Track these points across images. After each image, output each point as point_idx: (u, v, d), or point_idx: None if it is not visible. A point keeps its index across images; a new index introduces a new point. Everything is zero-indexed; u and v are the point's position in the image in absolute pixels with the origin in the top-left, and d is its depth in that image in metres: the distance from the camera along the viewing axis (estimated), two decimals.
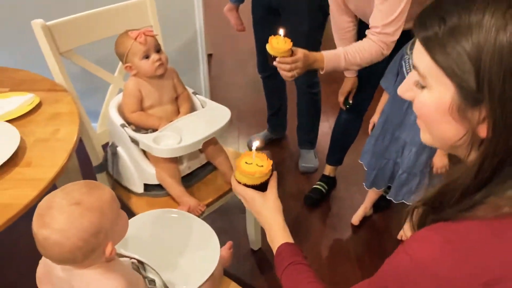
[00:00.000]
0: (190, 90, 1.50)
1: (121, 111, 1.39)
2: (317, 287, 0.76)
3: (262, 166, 0.84)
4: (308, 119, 2.16)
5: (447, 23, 0.52)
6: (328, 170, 2.07)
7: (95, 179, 1.56)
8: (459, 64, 0.52)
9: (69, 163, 1.38)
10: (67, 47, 1.37)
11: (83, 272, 0.79)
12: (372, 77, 1.68)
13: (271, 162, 0.86)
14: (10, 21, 2.04)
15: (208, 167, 1.47)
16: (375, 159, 1.62)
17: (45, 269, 0.86)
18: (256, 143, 0.90)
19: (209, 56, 3.33)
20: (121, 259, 0.98)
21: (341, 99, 1.81)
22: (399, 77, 1.47)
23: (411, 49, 1.41)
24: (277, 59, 1.27)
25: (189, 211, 1.31)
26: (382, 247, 1.79)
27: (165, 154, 1.25)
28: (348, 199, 2.04)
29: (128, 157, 1.38)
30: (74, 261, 0.76)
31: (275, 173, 0.88)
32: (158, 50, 1.31)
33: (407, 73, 1.44)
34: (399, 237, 1.80)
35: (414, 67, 0.59)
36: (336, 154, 2.04)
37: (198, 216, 1.34)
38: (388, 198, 1.65)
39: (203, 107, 1.46)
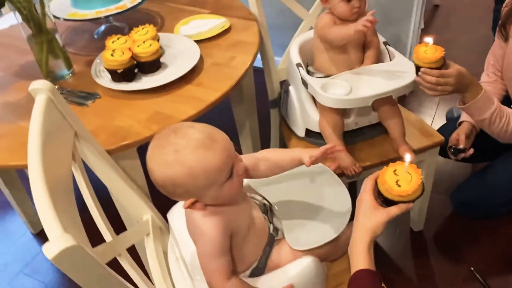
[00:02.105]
0: (382, 39, 1.34)
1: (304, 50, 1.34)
2: None
3: (399, 186, 0.75)
4: None
5: None
6: None
7: (269, 113, 1.60)
8: None
9: (236, 92, 1.43)
10: None
11: None
12: None
13: (415, 188, 0.75)
14: None
15: (379, 128, 1.33)
16: None
17: None
18: (408, 156, 0.78)
19: (435, 7, 2.94)
20: (254, 196, 0.98)
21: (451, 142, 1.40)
22: None
23: None
24: (421, 69, 1.05)
25: (341, 169, 1.22)
26: None
27: (328, 102, 1.16)
28: None
29: (296, 98, 1.34)
30: (161, 191, 0.76)
31: (410, 205, 0.77)
32: None
33: None
34: None
35: None
36: None
37: (351, 177, 1.25)
38: None
39: (390, 60, 1.29)
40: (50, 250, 0.51)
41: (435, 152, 1.35)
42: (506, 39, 1.34)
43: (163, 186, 0.73)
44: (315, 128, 1.30)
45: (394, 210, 0.77)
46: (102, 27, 1.41)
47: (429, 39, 1.06)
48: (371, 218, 0.76)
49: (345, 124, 1.28)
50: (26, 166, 0.66)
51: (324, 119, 1.25)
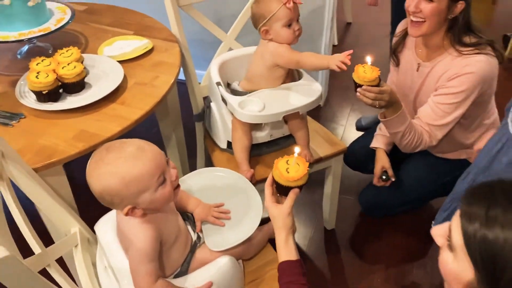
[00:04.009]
0: None
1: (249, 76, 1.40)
2: None
3: (289, 173, 0.89)
4: None
5: (489, 213, 0.54)
6: None
7: (194, 126, 1.70)
8: (484, 258, 0.54)
9: (161, 108, 1.52)
10: (186, 1, 1.47)
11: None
12: None
13: (301, 176, 0.89)
14: None
15: (291, 139, 1.48)
16: (450, 200, 1.36)
17: None
18: (297, 149, 0.93)
19: (348, 24, 3.22)
20: None
21: (375, 181, 1.60)
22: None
23: None
24: (363, 87, 1.21)
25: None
26: None
27: (245, 118, 1.29)
28: None
29: (218, 113, 1.46)
30: (102, 203, 0.86)
31: (296, 191, 0.91)
32: (297, 19, 1.28)
33: None
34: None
35: (449, 230, 0.61)
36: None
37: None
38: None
39: (299, 79, 1.45)
40: None
41: (340, 159, 1.54)
42: (397, 65, 1.56)
43: (102, 197, 0.83)
44: None
45: (288, 202, 0.91)
46: (26, 47, 1.44)
47: (368, 58, 1.21)
48: (278, 218, 0.91)
49: (261, 136, 1.42)
50: None
51: (235, 132, 1.38)
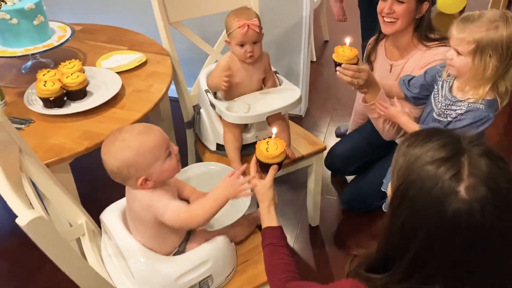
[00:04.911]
0: (273, 69, 1.65)
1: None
2: (283, 264, 0.96)
3: (267, 152, 1.05)
4: None
5: (408, 149, 0.71)
6: None
7: (185, 133, 1.84)
8: (397, 176, 0.71)
9: (154, 112, 1.65)
10: (175, 19, 1.63)
11: (135, 191, 1.02)
12: None
13: (278, 154, 1.05)
14: None
15: None
16: None
17: None
18: (274, 130, 1.09)
19: (325, 42, 3.43)
20: None
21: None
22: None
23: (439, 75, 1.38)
24: (342, 65, 1.32)
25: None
26: None
27: (232, 119, 1.43)
28: None
29: (207, 118, 1.60)
30: (117, 179, 0.99)
31: (275, 167, 1.07)
32: (254, 42, 1.41)
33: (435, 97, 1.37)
34: None
35: None
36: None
37: None
38: None
39: (280, 85, 1.61)
40: (22, 220, 0.70)
41: (320, 157, 1.69)
42: (372, 70, 1.73)
43: (119, 172, 0.96)
44: (223, 142, 1.56)
45: (268, 177, 1.06)
46: (29, 63, 1.57)
47: (347, 40, 1.33)
48: (261, 190, 1.05)
49: (247, 137, 1.56)
50: None
51: (225, 134, 1.52)
